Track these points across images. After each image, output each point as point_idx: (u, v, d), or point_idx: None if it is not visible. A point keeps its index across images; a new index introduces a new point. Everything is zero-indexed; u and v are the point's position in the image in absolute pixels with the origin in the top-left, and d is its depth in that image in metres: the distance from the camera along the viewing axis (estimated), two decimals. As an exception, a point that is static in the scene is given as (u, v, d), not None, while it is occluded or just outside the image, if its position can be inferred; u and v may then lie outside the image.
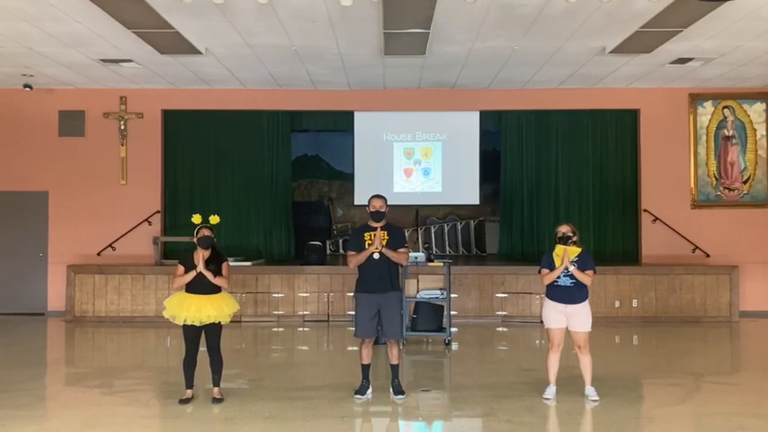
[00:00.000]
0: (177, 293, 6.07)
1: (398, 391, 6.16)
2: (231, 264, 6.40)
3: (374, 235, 6.03)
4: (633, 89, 11.18)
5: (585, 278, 6.02)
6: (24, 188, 11.14)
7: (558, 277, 6.07)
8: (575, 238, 6.09)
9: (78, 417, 5.69)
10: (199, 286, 5.93)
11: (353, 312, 6.34)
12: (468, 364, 7.95)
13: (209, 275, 5.90)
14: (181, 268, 5.99)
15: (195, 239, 5.99)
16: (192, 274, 5.90)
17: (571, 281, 6.05)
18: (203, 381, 6.34)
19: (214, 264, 5.96)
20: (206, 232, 5.97)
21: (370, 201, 6.19)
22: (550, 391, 6.14)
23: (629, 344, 9.27)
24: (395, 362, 6.18)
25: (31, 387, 6.65)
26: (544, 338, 6.43)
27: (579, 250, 6.08)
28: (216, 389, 6.02)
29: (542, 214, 11.56)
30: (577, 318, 6.06)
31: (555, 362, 6.16)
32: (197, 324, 5.87)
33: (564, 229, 6.12)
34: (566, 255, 6.01)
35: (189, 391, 6.02)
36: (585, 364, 6.14)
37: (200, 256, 5.93)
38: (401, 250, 6.13)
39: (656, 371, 7.54)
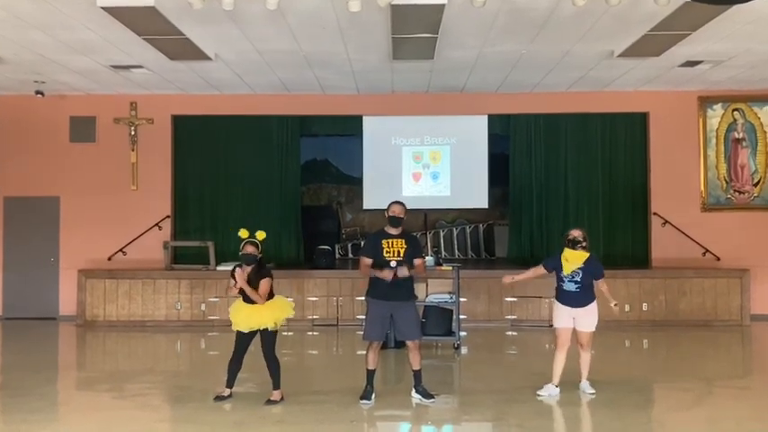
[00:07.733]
0: (236, 301, 6.28)
1: (427, 395, 6.12)
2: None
3: (393, 243, 5.98)
4: (642, 92, 11.15)
5: (606, 291, 6.39)
6: (36, 193, 11.21)
7: (564, 282, 6.23)
8: (584, 244, 6.21)
9: (90, 421, 5.74)
10: (247, 296, 6.12)
11: (363, 316, 6.32)
12: (477, 368, 7.95)
13: (249, 291, 6.03)
14: (231, 281, 6.18)
15: (240, 254, 6.11)
16: (234, 291, 6.15)
17: (576, 286, 6.21)
18: (216, 384, 6.39)
19: (255, 278, 6.06)
20: (249, 249, 6.08)
21: (389, 206, 6.11)
22: (548, 390, 6.24)
23: (639, 348, 9.24)
24: (417, 367, 6.13)
25: (44, 391, 6.70)
26: (554, 342, 6.45)
27: (587, 255, 6.21)
28: (275, 392, 6.13)
29: (551, 217, 11.53)
30: (584, 319, 6.25)
31: (561, 361, 6.27)
32: (245, 330, 6.12)
33: (576, 233, 6.23)
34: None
35: (227, 390, 6.17)
36: (585, 360, 6.36)
37: (242, 274, 6.05)
38: (418, 261, 6.07)
39: (667, 375, 7.50)
